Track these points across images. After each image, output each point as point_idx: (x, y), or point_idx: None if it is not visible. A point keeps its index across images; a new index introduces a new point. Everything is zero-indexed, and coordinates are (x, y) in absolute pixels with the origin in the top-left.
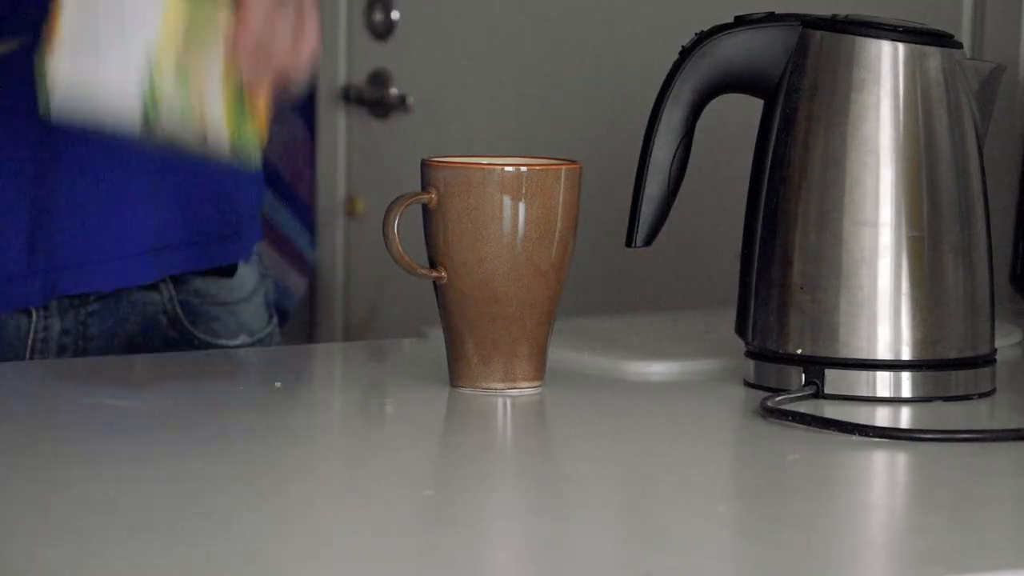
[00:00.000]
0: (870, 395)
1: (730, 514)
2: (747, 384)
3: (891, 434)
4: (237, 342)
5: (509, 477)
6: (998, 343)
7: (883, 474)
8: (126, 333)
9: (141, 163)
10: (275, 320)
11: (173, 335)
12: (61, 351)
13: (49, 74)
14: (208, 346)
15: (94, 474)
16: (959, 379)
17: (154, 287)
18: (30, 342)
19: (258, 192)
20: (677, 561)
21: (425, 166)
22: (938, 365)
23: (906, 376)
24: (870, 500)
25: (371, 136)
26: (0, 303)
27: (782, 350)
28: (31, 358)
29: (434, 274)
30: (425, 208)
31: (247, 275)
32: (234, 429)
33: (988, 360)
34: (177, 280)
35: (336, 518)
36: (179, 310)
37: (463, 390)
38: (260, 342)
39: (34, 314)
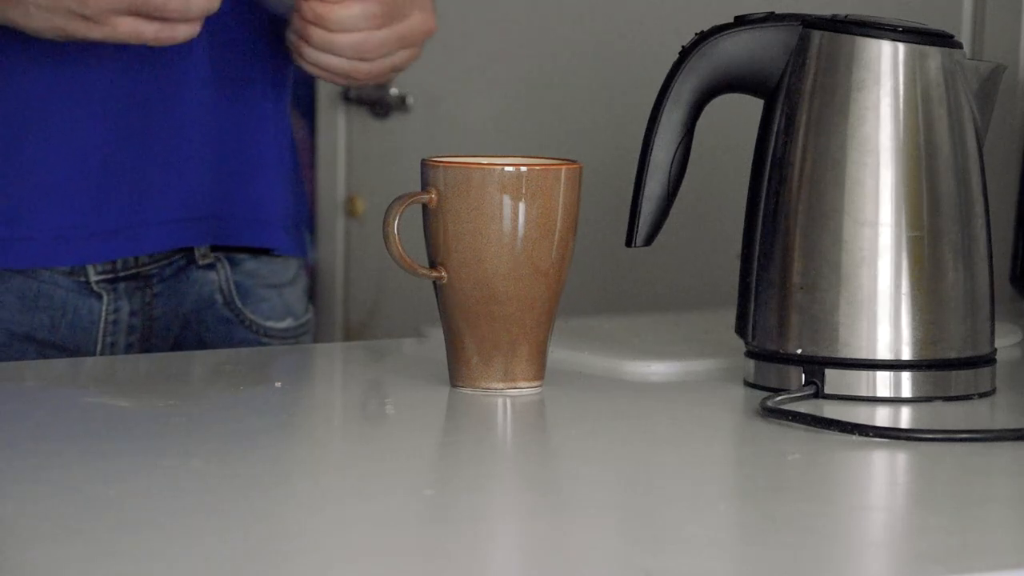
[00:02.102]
0: (870, 395)
1: (730, 514)
2: (747, 384)
3: (891, 434)
4: (284, 325)
5: (509, 477)
6: (998, 343)
7: (883, 474)
8: (184, 312)
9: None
10: (311, 308)
11: (227, 315)
12: (130, 332)
13: None
14: (259, 328)
15: (94, 474)
16: (959, 379)
17: (212, 267)
18: (102, 324)
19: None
20: (677, 561)
21: (425, 166)
22: (938, 365)
23: (906, 376)
24: (870, 500)
25: (371, 136)
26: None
27: (782, 350)
28: (103, 341)
29: (434, 274)
30: (425, 208)
31: (291, 258)
32: (234, 429)
33: (988, 360)
34: (232, 261)
35: (336, 518)
36: (234, 290)
37: (463, 390)
38: (302, 326)
39: (105, 297)
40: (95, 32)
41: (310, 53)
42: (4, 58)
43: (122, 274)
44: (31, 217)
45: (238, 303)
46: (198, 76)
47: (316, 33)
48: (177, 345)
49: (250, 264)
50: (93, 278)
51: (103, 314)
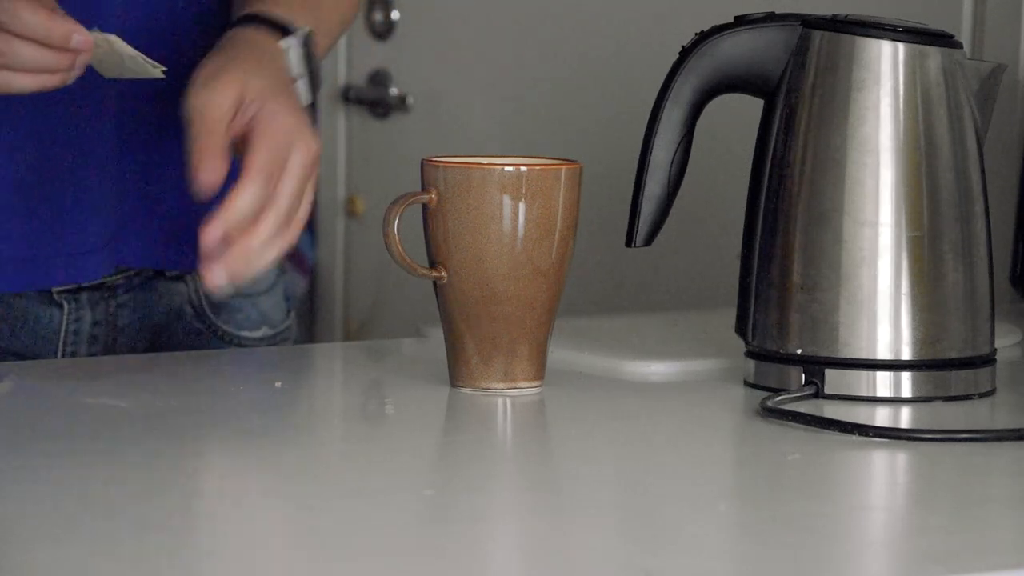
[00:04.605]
0: (870, 395)
1: (730, 514)
2: (747, 384)
3: (891, 434)
4: (259, 334)
5: (509, 477)
6: (998, 343)
7: (883, 474)
8: (152, 324)
9: None
10: (292, 314)
11: (198, 326)
12: (92, 342)
13: None
14: (232, 337)
15: (94, 474)
16: (959, 379)
17: (180, 278)
18: (63, 334)
19: None
20: (677, 561)
21: (425, 166)
22: (938, 365)
23: (906, 376)
24: (870, 500)
25: (371, 136)
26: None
27: (782, 350)
28: (64, 350)
29: (434, 274)
30: (425, 208)
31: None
32: (234, 429)
33: (988, 360)
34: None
35: (336, 518)
36: (204, 301)
37: (463, 390)
38: (280, 334)
39: (66, 306)
40: None
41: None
42: None
43: (85, 284)
44: None
45: (209, 314)
46: (110, 112)
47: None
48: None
49: None
50: (55, 288)
51: (64, 323)
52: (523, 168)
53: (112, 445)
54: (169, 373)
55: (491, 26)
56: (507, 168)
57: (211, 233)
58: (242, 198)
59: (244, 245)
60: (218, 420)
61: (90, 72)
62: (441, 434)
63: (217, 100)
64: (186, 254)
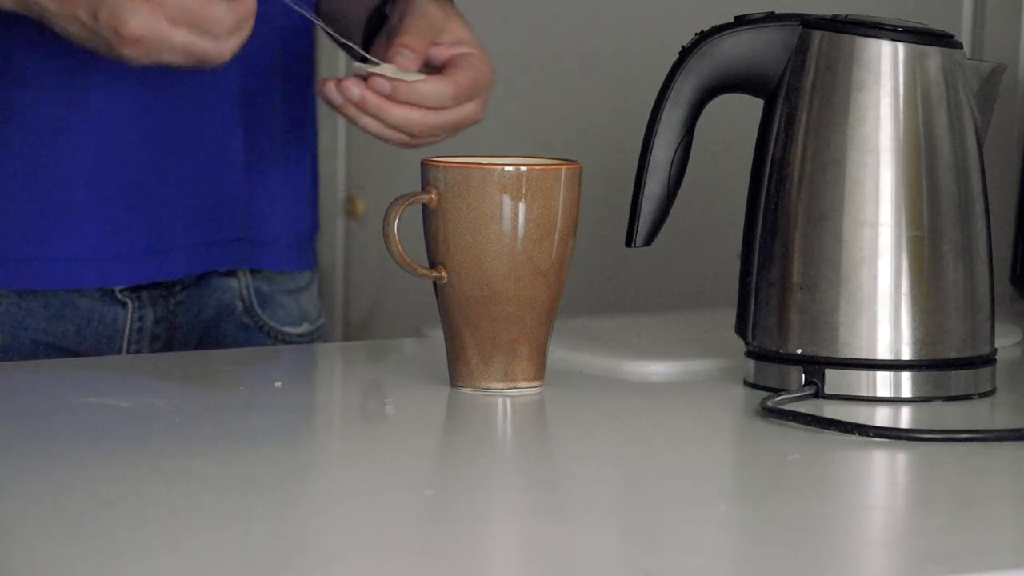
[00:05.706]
0: (870, 395)
1: (730, 514)
2: (747, 384)
3: (891, 434)
4: (300, 330)
5: (509, 477)
6: (998, 343)
7: (883, 474)
8: (204, 320)
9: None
10: (323, 312)
11: (247, 321)
12: (154, 340)
13: None
14: (277, 333)
15: (94, 474)
16: (959, 379)
17: (233, 274)
18: (127, 332)
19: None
20: (677, 561)
21: (425, 166)
22: (938, 365)
23: (906, 376)
24: (870, 500)
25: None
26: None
27: (782, 350)
28: (128, 349)
29: (434, 274)
30: (425, 208)
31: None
32: (234, 429)
33: (988, 360)
34: (253, 267)
35: (336, 518)
36: (253, 297)
37: (463, 390)
38: (316, 330)
39: (130, 305)
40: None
41: (359, 117)
42: (29, 79)
43: (145, 282)
44: (55, 238)
45: (257, 310)
46: (227, 100)
47: (373, 101)
48: None
49: (269, 271)
50: (117, 286)
51: (128, 322)
52: (523, 168)
53: (112, 445)
54: (169, 373)
55: (491, 26)
56: (507, 168)
57: (376, 83)
58: (430, 85)
59: (393, 109)
60: (218, 420)
61: (211, 74)
62: (441, 434)
63: (449, 27)
64: (292, 254)
